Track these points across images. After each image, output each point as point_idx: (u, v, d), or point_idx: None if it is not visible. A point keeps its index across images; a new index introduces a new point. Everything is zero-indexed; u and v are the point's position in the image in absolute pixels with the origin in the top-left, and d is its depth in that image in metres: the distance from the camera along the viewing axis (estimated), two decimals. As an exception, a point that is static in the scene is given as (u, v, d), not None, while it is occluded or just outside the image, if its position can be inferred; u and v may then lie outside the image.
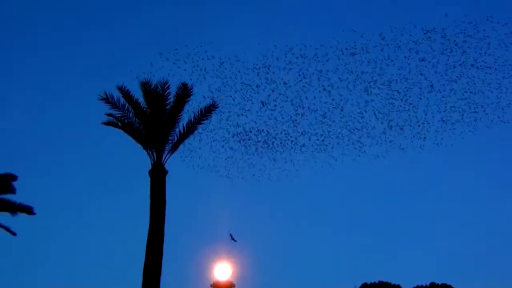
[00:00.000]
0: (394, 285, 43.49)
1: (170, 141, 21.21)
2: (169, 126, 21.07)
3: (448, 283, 43.83)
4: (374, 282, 44.12)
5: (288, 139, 28.14)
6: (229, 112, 25.91)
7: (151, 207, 19.88)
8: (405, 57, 26.76)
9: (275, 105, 26.86)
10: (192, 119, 21.57)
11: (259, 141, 27.57)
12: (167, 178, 20.71)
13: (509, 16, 26.42)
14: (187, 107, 21.46)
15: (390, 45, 26.65)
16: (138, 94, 21.09)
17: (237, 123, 26.71)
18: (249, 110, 26.42)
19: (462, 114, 27.59)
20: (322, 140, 28.57)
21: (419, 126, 27.94)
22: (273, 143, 27.93)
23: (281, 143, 28.11)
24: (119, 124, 21.31)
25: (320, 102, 27.54)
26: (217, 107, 21.71)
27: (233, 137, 27.50)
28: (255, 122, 26.91)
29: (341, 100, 27.48)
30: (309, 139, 28.13)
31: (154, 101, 20.82)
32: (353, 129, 27.95)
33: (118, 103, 21.07)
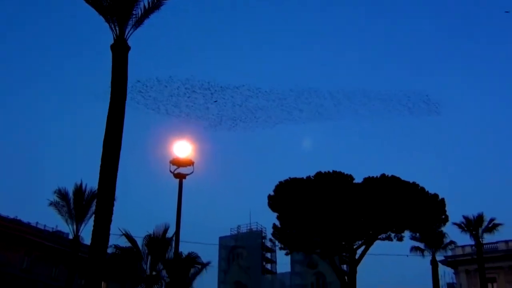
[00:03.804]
0: (346, 174, 45.76)
1: (134, 15, 20.46)
2: (133, -1, 20.24)
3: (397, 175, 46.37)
4: (328, 171, 46.25)
5: None
6: None
7: (112, 82, 19.58)
8: None
9: None
10: (158, -6, 20.68)
11: None
12: (129, 55, 20.26)
13: None
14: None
15: None
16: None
17: None
18: None
19: None
20: None
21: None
22: None
23: None
24: (80, -8, 20.29)
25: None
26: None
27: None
28: None
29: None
30: None
31: (118, -30, 19.79)
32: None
33: (79, -30, 19.94)
